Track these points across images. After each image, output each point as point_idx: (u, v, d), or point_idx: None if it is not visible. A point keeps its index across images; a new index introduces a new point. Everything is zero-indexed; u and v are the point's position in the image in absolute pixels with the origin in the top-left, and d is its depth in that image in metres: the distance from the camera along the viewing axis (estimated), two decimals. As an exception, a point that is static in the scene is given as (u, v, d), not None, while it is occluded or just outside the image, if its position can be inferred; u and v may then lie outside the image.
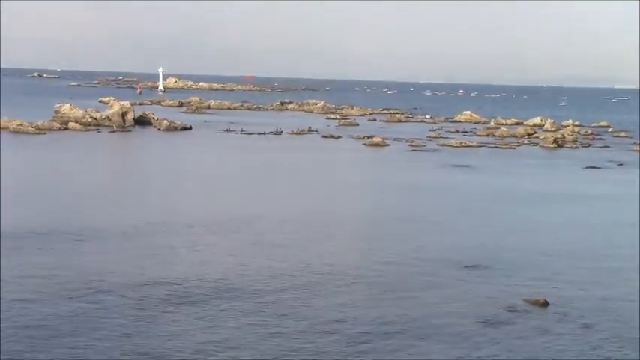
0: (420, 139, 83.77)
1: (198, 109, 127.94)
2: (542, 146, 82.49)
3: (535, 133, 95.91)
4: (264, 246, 30.81)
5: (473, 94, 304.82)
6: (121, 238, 31.20)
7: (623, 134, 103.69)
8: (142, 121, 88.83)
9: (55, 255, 27.88)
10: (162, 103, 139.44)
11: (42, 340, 19.42)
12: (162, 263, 27.47)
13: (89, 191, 43.95)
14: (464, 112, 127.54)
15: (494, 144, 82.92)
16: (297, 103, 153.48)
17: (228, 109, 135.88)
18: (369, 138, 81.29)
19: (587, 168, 63.22)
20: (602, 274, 28.56)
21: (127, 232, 32.16)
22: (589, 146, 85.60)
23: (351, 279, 26.49)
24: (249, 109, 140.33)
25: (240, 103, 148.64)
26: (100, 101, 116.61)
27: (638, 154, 77.20)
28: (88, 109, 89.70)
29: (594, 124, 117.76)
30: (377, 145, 77.00)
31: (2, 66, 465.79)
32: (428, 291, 25.21)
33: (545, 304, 24.15)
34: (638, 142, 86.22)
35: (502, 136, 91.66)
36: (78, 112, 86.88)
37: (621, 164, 67.29)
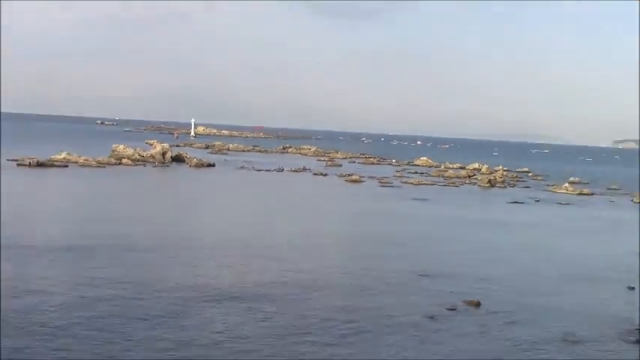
0: (388, 177, 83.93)
1: (220, 151, 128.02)
2: (479, 185, 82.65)
3: (474, 175, 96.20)
4: (269, 258, 30.85)
5: (428, 145, 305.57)
6: (155, 250, 31.18)
7: (539, 177, 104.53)
8: (178, 159, 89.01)
9: (99, 264, 27.76)
10: (193, 145, 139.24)
11: (86, 330, 19.42)
12: (188, 271, 27.49)
13: (132, 212, 44.02)
14: (421, 158, 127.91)
15: (444, 182, 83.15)
16: (295, 148, 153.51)
17: (243, 151, 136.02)
18: (349, 175, 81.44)
19: (512, 202, 63.39)
20: (524, 280, 28.68)
21: (159, 246, 32.17)
22: (514, 186, 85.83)
23: (332, 283, 26.60)
24: (259, 151, 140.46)
25: (252, 147, 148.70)
26: (147, 143, 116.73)
27: (551, 193, 77.67)
28: (137, 149, 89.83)
29: (518, 170, 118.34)
30: (355, 181, 77.14)
31: (75, 115, 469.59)
32: (389, 294, 25.28)
33: (478, 304, 24.20)
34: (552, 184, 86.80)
35: (450, 177, 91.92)
36: (129, 151, 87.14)
37: (538, 200, 67.48)
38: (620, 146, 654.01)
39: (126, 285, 23.82)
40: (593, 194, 78.71)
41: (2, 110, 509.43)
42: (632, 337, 21.62)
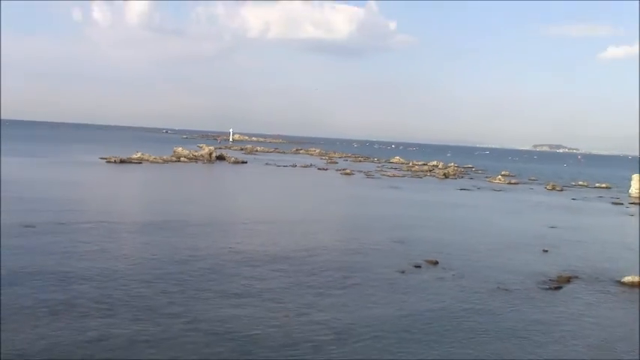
0: (371, 171, 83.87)
1: (251, 152, 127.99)
2: (437, 177, 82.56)
3: (433, 169, 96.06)
4: (285, 230, 30.89)
5: (400, 148, 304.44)
6: (205, 224, 31.19)
7: (480, 171, 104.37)
8: (220, 158, 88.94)
9: (165, 235, 27.80)
10: (231, 148, 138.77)
11: (154, 281, 19.43)
12: (228, 240, 27.52)
13: (189, 196, 43.97)
14: (395, 157, 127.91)
15: (412, 175, 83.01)
16: (304, 150, 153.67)
17: (268, 152, 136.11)
18: (343, 170, 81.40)
19: (460, 189, 63.32)
20: (469, 246, 28.62)
21: (208, 221, 32.19)
22: (462, 177, 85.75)
23: (330, 248, 26.56)
24: (279, 152, 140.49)
25: (274, 149, 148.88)
26: (198, 146, 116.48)
27: (488, 183, 77.53)
28: (191, 150, 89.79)
29: (465, 166, 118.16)
30: (347, 174, 76.98)
31: (148, 126, 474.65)
32: (371, 255, 25.24)
33: (436, 262, 24.16)
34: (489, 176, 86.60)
35: (416, 171, 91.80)
36: (186, 152, 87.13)
37: (479, 188, 67.40)
38: (537, 149, 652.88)
39: (183, 250, 23.82)
40: (518, 183, 78.61)
41: (105, 123, 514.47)
42: (546, 286, 21.68)
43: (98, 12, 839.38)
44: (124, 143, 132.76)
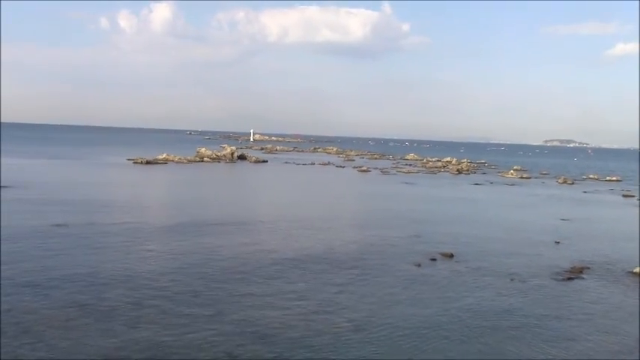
0: (387, 168, 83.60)
1: (271, 151, 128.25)
2: (451, 172, 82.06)
3: (447, 165, 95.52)
4: (306, 229, 30.81)
5: (414, 145, 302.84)
6: (230, 224, 31.25)
7: (493, 167, 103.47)
8: (242, 157, 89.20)
9: (193, 235, 27.87)
10: (252, 148, 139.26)
11: (191, 277, 19.46)
12: (255, 239, 27.53)
13: (215, 196, 44.08)
14: (410, 154, 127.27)
15: (426, 171, 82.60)
16: (322, 149, 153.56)
17: (287, 151, 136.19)
18: (360, 167, 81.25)
19: (473, 184, 62.83)
20: (483, 238, 28.37)
21: (234, 221, 32.23)
22: (475, 173, 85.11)
23: (349, 243, 26.48)
24: (297, 151, 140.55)
25: (293, 148, 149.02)
26: (220, 146, 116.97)
27: (501, 177, 76.81)
28: (214, 151, 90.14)
29: (478, 161, 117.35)
30: (364, 171, 76.87)
31: (172, 128, 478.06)
32: (389, 249, 25.11)
33: (452, 255, 23.99)
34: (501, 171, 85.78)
35: (430, 167, 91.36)
36: (208, 152, 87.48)
37: (492, 183, 66.85)
38: (548, 144, 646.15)
39: (208, 249, 23.87)
40: (530, 178, 77.88)
41: (129, 125, 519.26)
42: (559, 276, 21.43)
43: (124, 20, 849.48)
44: (150, 145, 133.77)
